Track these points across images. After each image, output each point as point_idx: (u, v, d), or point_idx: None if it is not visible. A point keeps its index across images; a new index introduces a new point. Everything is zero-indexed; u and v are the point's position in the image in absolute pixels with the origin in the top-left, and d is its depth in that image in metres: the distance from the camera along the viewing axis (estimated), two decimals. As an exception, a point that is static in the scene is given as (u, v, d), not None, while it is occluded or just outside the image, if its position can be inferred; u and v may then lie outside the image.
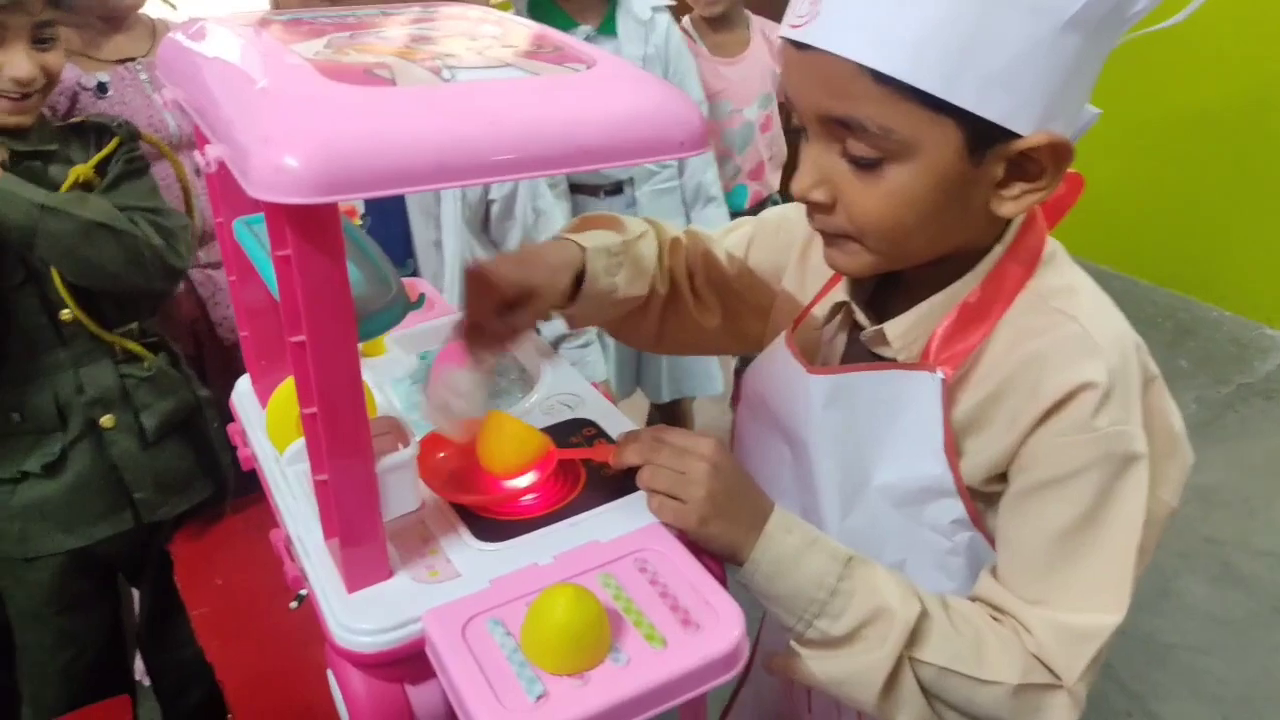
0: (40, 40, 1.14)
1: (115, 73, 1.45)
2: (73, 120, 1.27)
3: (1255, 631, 1.95)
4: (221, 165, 0.70)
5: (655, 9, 1.79)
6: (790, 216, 0.87)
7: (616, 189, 1.81)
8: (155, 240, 1.20)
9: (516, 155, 0.50)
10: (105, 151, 1.23)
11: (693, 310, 0.89)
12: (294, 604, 1.23)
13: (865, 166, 0.64)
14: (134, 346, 1.27)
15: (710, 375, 2.04)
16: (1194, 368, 2.80)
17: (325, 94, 0.51)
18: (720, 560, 0.68)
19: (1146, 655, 1.89)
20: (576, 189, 1.77)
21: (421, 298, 0.77)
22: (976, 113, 0.60)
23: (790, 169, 2.20)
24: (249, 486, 1.40)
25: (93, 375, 1.25)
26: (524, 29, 0.67)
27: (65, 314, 1.20)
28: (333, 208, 0.51)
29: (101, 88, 1.42)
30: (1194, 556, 2.11)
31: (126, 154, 1.26)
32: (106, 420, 1.26)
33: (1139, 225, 3.06)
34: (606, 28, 1.76)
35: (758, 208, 2.08)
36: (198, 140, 0.72)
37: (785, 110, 2.06)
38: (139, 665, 1.55)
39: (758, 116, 2.09)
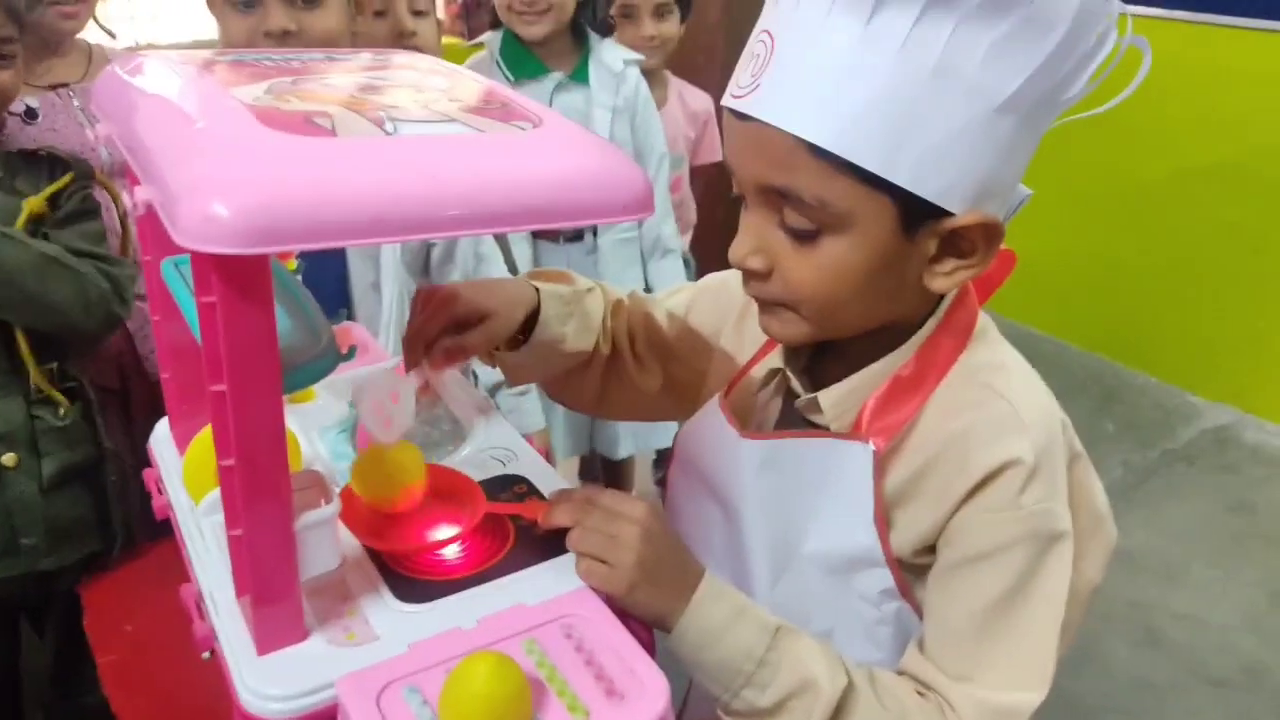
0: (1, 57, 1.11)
1: (46, 98, 1.42)
2: (29, 149, 1.24)
3: (1176, 694, 1.98)
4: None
5: (627, 62, 1.81)
6: (730, 281, 0.87)
7: (577, 236, 1.81)
8: (103, 284, 1.18)
9: (456, 212, 0.50)
10: (58, 185, 1.20)
11: (633, 373, 0.89)
12: (206, 654, 1.19)
13: (801, 237, 0.65)
14: (51, 391, 1.23)
15: (670, 428, 2.03)
16: (1120, 432, 2.87)
17: (260, 141, 0.49)
18: (649, 627, 0.67)
19: (1071, 719, 1.91)
20: (538, 234, 1.77)
21: (352, 349, 0.76)
22: (911, 190, 0.61)
23: (710, 235, 2.23)
24: (164, 531, 1.36)
25: (2, 411, 1.20)
26: (473, 83, 0.66)
27: None
28: (262, 257, 0.50)
29: (30, 113, 1.39)
30: (1117, 620, 2.14)
31: (80, 191, 1.23)
32: (9, 458, 1.21)
33: (1068, 291, 3.14)
34: (579, 75, 1.78)
35: None
36: (129, 179, 0.70)
37: (724, 178, 2.08)
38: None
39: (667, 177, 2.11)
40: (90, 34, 1.51)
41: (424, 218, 0.49)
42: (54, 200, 1.19)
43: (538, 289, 0.81)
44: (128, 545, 1.32)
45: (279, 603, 0.59)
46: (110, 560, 1.32)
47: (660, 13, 1.95)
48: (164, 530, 1.38)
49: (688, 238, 2.18)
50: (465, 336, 0.77)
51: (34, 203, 1.17)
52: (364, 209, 0.48)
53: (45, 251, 1.12)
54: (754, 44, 0.65)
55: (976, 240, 0.64)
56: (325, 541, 0.61)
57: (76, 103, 1.44)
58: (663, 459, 2.20)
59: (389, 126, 0.54)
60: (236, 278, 0.49)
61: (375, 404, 0.68)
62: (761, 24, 0.65)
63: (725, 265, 0.75)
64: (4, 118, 1.36)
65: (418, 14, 1.51)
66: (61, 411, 1.24)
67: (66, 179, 1.21)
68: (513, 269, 1.48)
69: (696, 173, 2.24)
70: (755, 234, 0.67)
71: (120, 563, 1.31)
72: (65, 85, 1.45)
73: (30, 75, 1.41)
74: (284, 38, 1.18)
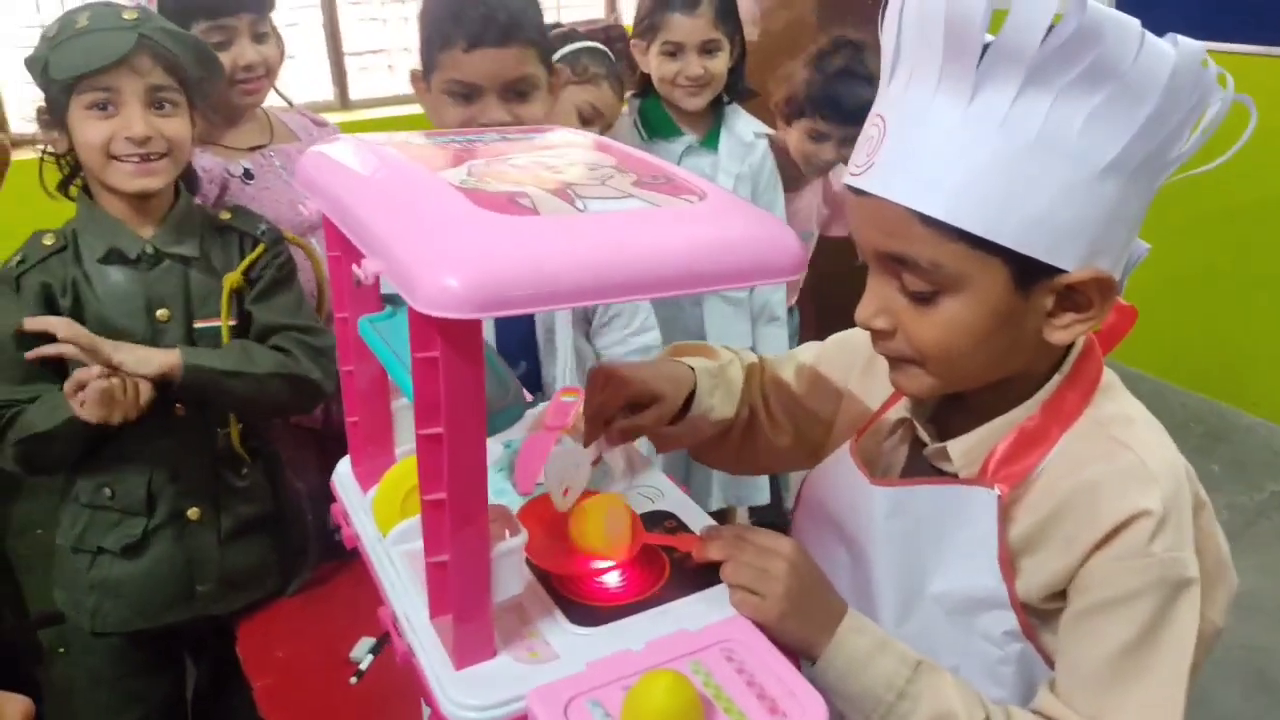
0: (158, 105, 1.18)
1: (254, 159, 1.52)
2: (219, 221, 1.30)
3: (1291, 742, 1.94)
4: (342, 266, 0.78)
5: (757, 134, 1.89)
6: (854, 336, 0.93)
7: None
8: (315, 374, 1.25)
9: (645, 279, 0.57)
10: (251, 258, 1.27)
11: (768, 431, 0.96)
12: (354, 679, 1.27)
13: (920, 299, 0.70)
14: (238, 448, 1.30)
15: (759, 485, 2.07)
16: (1225, 474, 2.81)
17: (478, 221, 0.58)
18: (795, 655, 0.73)
19: (1184, 765, 1.87)
20: None
21: (536, 398, 0.84)
22: (1019, 251, 0.66)
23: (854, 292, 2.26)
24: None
25: (189, 468, 1.27)
26: (636, 158, 0.74)
27: (178, 408, 1.23)
28: (476, 321, 0.58)
29: (247, 174, 1.49)
30: (1228, 664, 2.10)
31: (274, 259, 1.30)
32: (193, 513, 1.28)
33: (1170, 330, 3.10)
34: (709, 142, 1.86)
35: None
36: (329, 242, 0.79)
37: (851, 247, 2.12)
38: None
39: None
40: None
41: (617, 283, 0.57)
42: (248, 271, 1.26)
43: (693, 368, 0.88)
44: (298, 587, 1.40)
45: (475, 622, 0.66)
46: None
47: (708, 49, 1.85)
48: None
49: (792, 299, 2.20)
50: (640, 417, 0.85)
51: (232, 279, 1.24)
52: (568, 279, 0.56)
53: (266, 372, 1.21)
54: (869, 126, 0.72)
55: (1092, 295, 0.69)
56: (514, 568, 0.68)
57: (278, 162, 1.55)
58: (758, 513, 2.23)
59: (579, 204, 0.61)
60: (456, 337, 0.57)
61: (558, 477, 0.77)
62: (875, 108, 0.72)
63: (834, 324, 0.81)
64: (223, 180, 1.46)
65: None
66: (244, 472, 1.32)
67: (259, 250, 1.27)
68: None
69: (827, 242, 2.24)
70: (878, 296, 0.73)
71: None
72: (262, 147, 1.55)
73: (230, 141, 1.53)
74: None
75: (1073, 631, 0.72)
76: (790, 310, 2.20)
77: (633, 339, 1.47)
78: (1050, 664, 0.75)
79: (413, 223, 0.59)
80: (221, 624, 1.40)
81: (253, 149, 1.54)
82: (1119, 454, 0.71)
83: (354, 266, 0.62)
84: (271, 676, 1.29)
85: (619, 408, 0.83)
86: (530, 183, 0.64)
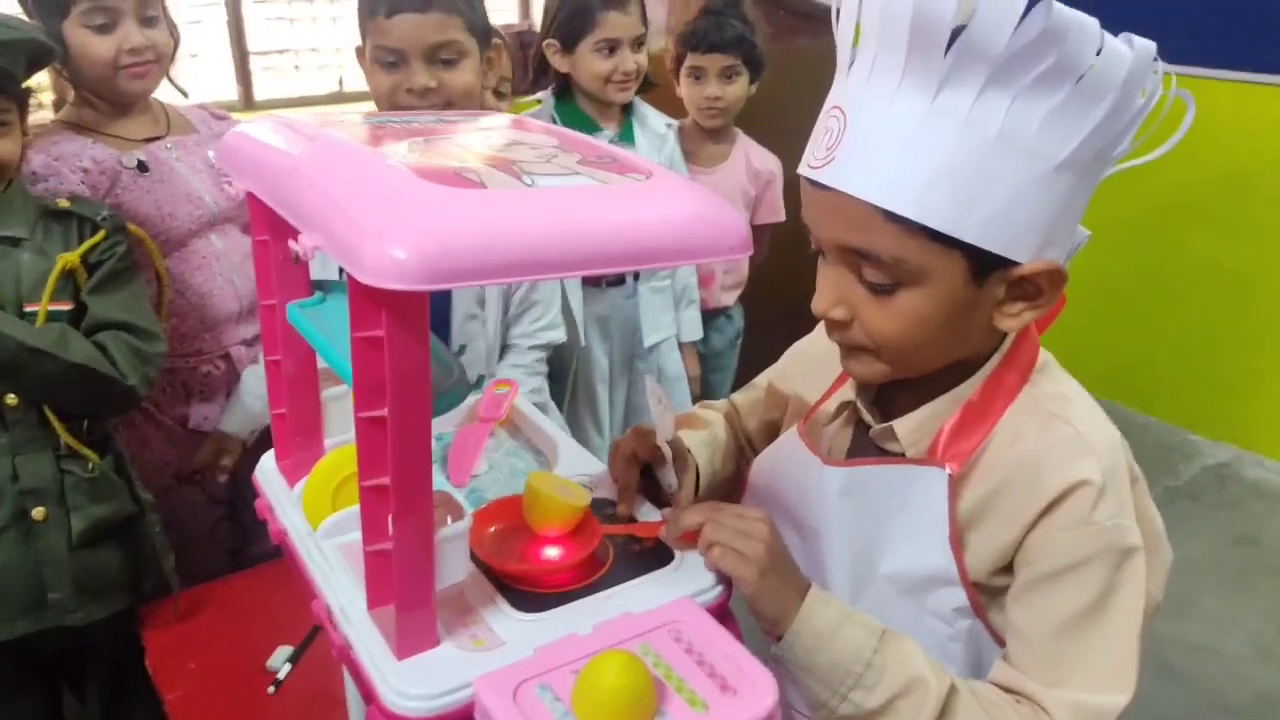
0: None
1: (149, 151, 1.48)
2: (56, 207, 1.27)
3: (1193, 727, 2.03)
4: (270, 251, 0.75)
5: (669, 125, 1.98)
6: (802, 346, 0.97)
7: (619, 280, 1.92)
8: (129, 379, 1.22)
9: (595, 252, 0.57)
10: (91, 242, 1.24)
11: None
12: (272, 689, 1.23)
13: (879, 290, 0.72)
14: (78, 446, 1.25)
15: None
16: (1122, 470, 2.95)
17: (425, 193, 0.56)
18: (767, 629, 0.73)
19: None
20: (586, 280, 1.87)
21: (480, 379, 0.82)
22: (979, 246, 0.68)
23: (761, 290, 2.30)
24: (205, 574, 1.40)
25: (30, 465, 1.22)
26: (578, 139, 0.74)
27: (10, 399, 1.19)
28: (423, 295, 0.56)
29: (141, 166, 1.45)
30: (1132, 653, 2.20)
31: (115, 249, 1.26)
32: (38, 512, 1.23)
33: (1068, 333, 3.24)
34: (625, 135, 1.92)
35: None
36: (255, 226, 0.77)
37: (778, 237, 2.18)
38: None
39: None
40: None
41: (567, 257, 0.56)
42: (86, 255, 1.23)
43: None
44: (173, 592, 1.35)
45: (418, 610, 0.64)
46: (167, 606, 1.34)
47: (728, 75, 2.04)
48: (218, 570, 1.43)
49: (736, 293, 2.25)
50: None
51: (68, 258, 1.20)
52: (518, 251, 0.55)
53: (75, 362, 1.17)
54: (826, 119, 0.72)
55: (1042, 284, 0.71)
56: (459, 553, 0.66)
57: (175, 155, 1.50)
58: None
59: (527, 179, 0.61)
60: (402, 312, 0.56)
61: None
62: (832, 100, 0.72)
63: (774, 319, 0.83)
64: (115, 172, 1.42)
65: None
66: (90, 465, 1.26)
67: (99, 236, 1.24)
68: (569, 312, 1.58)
69: (755, 231, 2.32)
70: (835, 287, 0.74)
71: (179, 603, 1.36)
72: (158, 139, 1.50)
73: (124, 131, 1.47)
74: (425, 94, 1.29)
75: (1022, 603, 0.74)
76: (730, 311, 2.24)
77: (541, 333, 1.47)
78: (999, 641, 0.77)
79: (356, 194, 0.57)
80: (105, 650, 1.34)
81: (147, 140, 1.49)
82: (1058, 428, 0.73)
83: (290, 242, 0.59)
84: (184, 689, 1.24)
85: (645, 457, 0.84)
86: (474, 159, 0.63)
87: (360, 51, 1.37)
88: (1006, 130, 0.65)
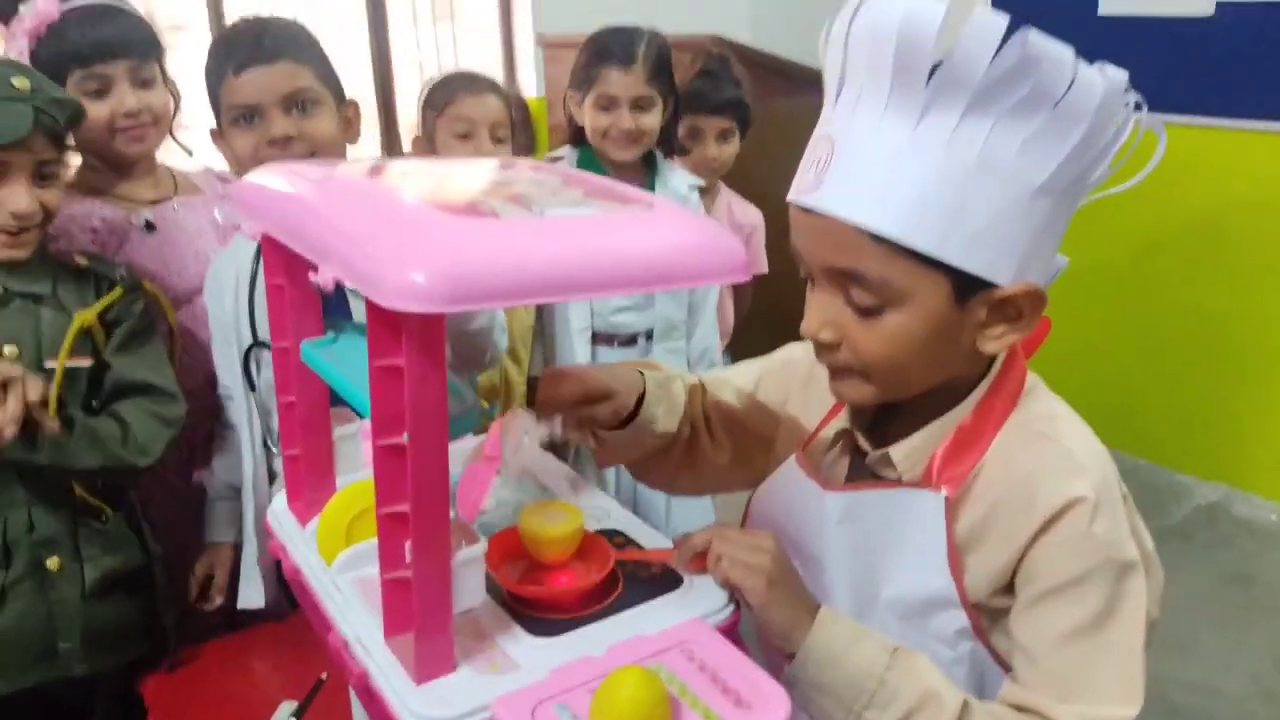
0: (42, 177, 1.19)
1: (156, 211, 1.51)
2: (76, 265, 1.28)
3: (1198, 764, 2.02)
4: (284, 295, 0.78)
5: (691, 186, 1.98)
6: (793, 355, 0.97)
7: (631, 341, 1.92)
8: (144, 461, 1.25)
9: (608, 276, 0.59)
10: (108, 300, 1.26)
11: (708, 450, 0.98)
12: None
13: (866, 312, 0.74)
14: (92, 500, 1.26)
15: (708, 515, 2.08)
16: (1114, 513, 2.96)
17: (443, 222, 0.59)
18: (778, 646, 0.74)
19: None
20: (596, 338, 1.89)
21: (495, 405, 0.84)
22: (962, 268, 0.71)
23: (778, 338, 2.34)
24: (204, 635, 1.40)
25: (46, 516, 1.23)
26: (579, 176, 0.77)
27: None
28: (441, 321, 0.59)
29: (149, 226, 1.48)
30: (1134, 694, 2.19)
31: (133, 307, 1.28)
32: (52, 562, 1.23)
33: (1056, 376, 3.27)
34: None
35: None
36: (269, 271, 0.79)
37: (759, 290, 2.21)
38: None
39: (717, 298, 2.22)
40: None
41: (579, 281, 0.59)
42: (104, 313, 1.25)
43: (642, 374, 0.90)
44: (170, 650, 1.34)
45: (437, 634, 0.65)
46: (165, 663, 1.33)
47: (724, 136, 2.12)
48: (202, 635, 1.42)
49: (723, 343, 2.27)
50: (594, 409, 0.87)
51: (85, 316, 1.22)
52: (533, 274, 0.57)
53: (96, 466, 1.20)
54: (814, 147, 0.75)
55: (1023, 306, 0.74)
56: (475, 577, 0.68)
57: (181, 215, 1.52)
58: None
59: (536, 210, 0.63)
60: (420, 338, 0.58)
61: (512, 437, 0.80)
62: (821, 129, 0.76)
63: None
64: (125, 231, 1.45)
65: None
66: (104, 516, 1.28)
67: (116, 294, 1.26)
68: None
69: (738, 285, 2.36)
70: (824, 310, 0.77)
71: (177, 661, 1.35)
72: (165, 200, 1.53)
73: (131, 193, 1.50)
74: (286, 144, 1.29)
75: (1026, 620, 0.75)
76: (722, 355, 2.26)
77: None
78: (1001, 664, 0.78)
79: (374, 224, 0.59)
80: (93, 696, 1.33)
81: (154, 202, 1.52)
82: (1049, 447, 0.75)
83: (310, 275, 0.62)
84: (187, 747, 1.23)
85: (572, 401, 0.84)
86: (485, 195, 0.66)
87: (216, 134, 1.36)
88: (987, 155, 0.68)
